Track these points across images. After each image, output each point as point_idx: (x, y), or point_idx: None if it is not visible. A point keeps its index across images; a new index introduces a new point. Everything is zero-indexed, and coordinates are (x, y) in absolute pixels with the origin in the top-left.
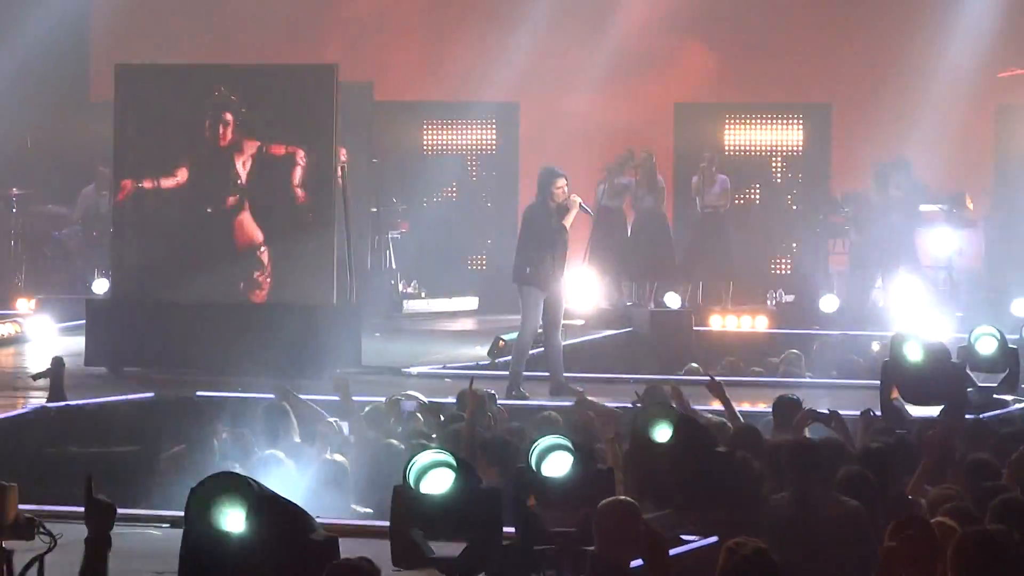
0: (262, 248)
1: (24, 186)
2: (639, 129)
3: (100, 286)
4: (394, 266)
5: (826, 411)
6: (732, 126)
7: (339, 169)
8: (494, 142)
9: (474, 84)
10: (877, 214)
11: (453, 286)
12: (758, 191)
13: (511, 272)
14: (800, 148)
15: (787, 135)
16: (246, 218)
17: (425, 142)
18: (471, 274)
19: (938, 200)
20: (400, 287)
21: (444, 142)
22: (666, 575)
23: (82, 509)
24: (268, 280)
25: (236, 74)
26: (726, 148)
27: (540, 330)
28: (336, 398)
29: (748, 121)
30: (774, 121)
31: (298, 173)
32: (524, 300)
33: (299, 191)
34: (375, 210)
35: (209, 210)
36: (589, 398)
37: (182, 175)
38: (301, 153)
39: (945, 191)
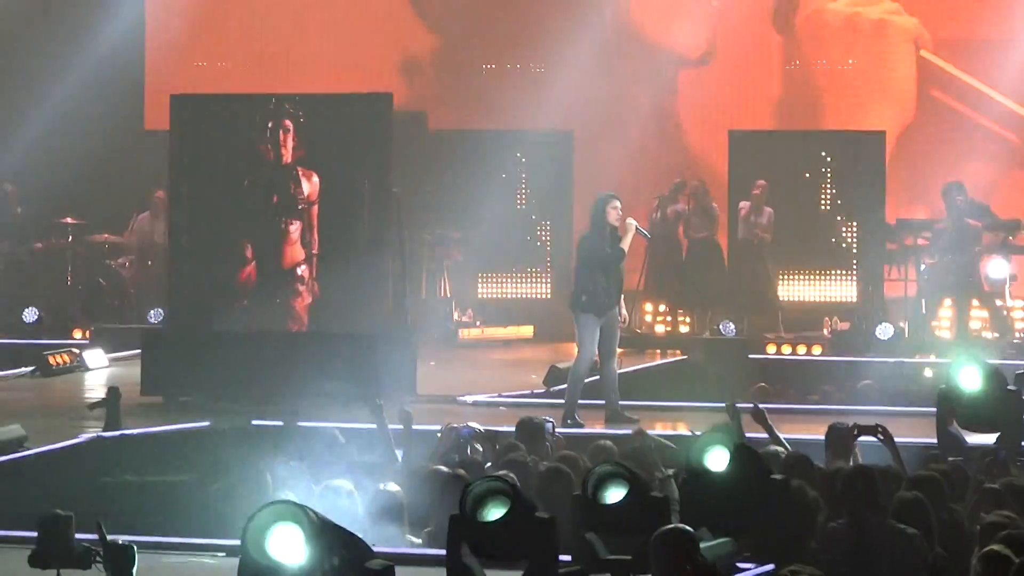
0: (302, 267)
1: (79, 216)
2: (694, 157)
3: (155, 315)
4: (449, 294)
5: (873, 424)
6: (786, 154)
7: (394, 197)
8: (550, 170)
9: (529, 113)
10: (950, 238)
11: (509, 314)
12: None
13: (568, 300)
14: (854, 174)
15: (839, 162)
16: (295, 241)
17: (480, 170)
18: (528, 302)
19: (994, 227)
20: (455, 315)
21: (499, 170)
22: None
23: (139, 539)
24: (306, 308)
25: (292, 102)
26: (780, 176)
27: (596, 358)
28: (399, 427)
29: (801, 149)
30: (827, 148)
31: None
32: (580, 328)
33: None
34: (430, 237)
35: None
36: (646, 430)
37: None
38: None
39: (1001, 217)
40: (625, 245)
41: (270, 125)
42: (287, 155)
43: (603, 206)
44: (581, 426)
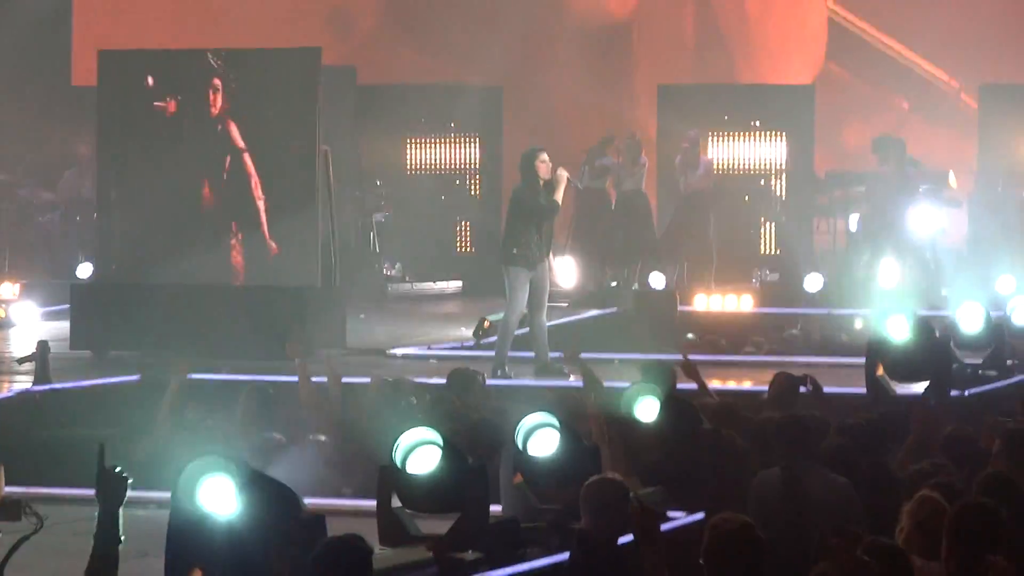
0: (230, 222)
1: (7, 172)
2: (622, 111)
3: (84, 270)
4: (378, 249)
5: (802, 374)
6: (714, 107)
7: (323, 153)
8: (478, 124)
9: (458, 67)
10: (891, 190)
11: (438, 269)
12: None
13: (498, 253)
14: (783, 129)
15: (769, 116)
16: (226, 197)
17: (408, 125)
18: (456, 257)
19: (923, 179)
20: (384, 269)
21: (427, 125)
22: (658, 549)
23: (69, 492)
24: (242, 261)
25: (220, 58)
26: (709, 130)
27: (525, 311)
28: (324, 379)
29: (730, 102)
30: (755, 102)
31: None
32: (511, 280)
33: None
34: (358, 194)
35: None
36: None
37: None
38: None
39: (929, 170)
40: (559, 197)
41: (207, 58)
42: (220, 94)
43: (532, 160)
44: (510, 378)
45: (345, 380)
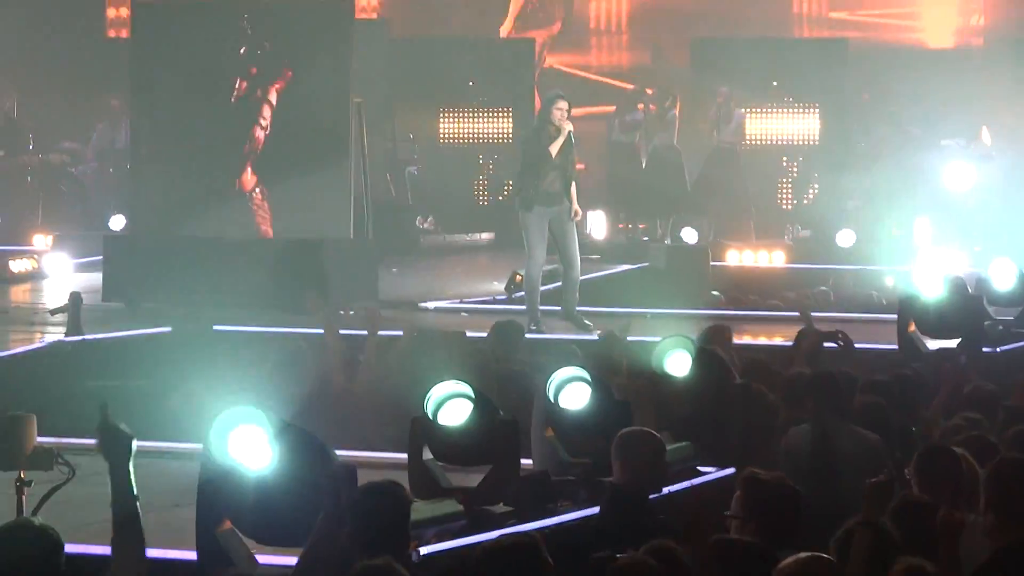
0: (258, 188)
1: (40, 123)
2: (654, 64)
3: (117, 222)
4: (410, 202)
5: (834, 330)
6: (745, 62)
7: (356, 106)
8: (510, 79)
9: (490, 20)
10: (907, 147)
11: (471, 221)
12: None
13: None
14: (815, 84)
15: (801, 70)
16: (255, 157)
17: (442, 79)
18: (489, 208)
19: (955, 134)
20: (417, 222)
21: (461, 78)
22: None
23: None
24: (267, 216)
25: (252, 10)
26: (741, 84)
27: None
28: (364, 332)
29: (762, 57)
30: (788, 57)
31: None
32: (523, 228)
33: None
34: (391, 146)
35: (225, 153)
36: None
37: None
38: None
39: (962, 125)
40: (553, 149)
41: (241, 24)
42: (256, 79)
43: (549, 105)
44: (542, 332)
45: (380, 332)
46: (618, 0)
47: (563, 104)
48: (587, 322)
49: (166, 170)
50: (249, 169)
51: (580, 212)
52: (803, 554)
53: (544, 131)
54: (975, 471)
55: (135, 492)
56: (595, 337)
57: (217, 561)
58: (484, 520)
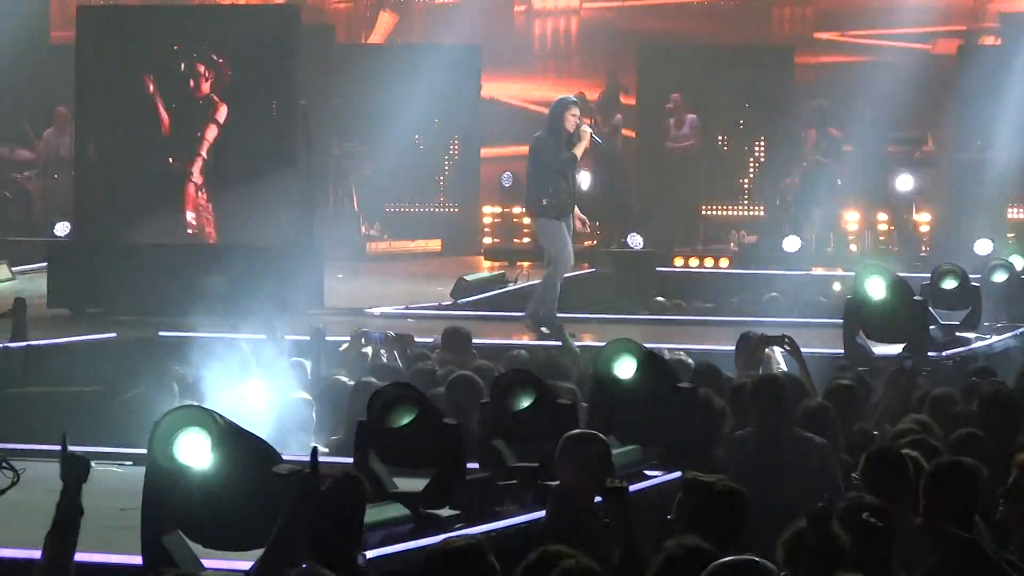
0: (209, 180)
1: None
2: (600, 71)
3: (62, 228)
4: (357, 208)
5: (780, 335)
6: (696, 67)
7: (301, 111)
8: (455, 85)
9: (435, 27)
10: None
11: (416, 228)
12: (723, 133)
13: (526, 206)
14: (762, 90)
15: (749, 76)
16: (200, 163)
17: (386, 86)
18: (435, 216)
19: (901, 140)
20: (363, 229)
21: (405, 85)
22: (628, 518)
23: (45, 447)
24: (211, 218)
25: (197, 16)
26: (690, 89)
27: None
28: (306, 338)
29: (711, 63)
30: (736, 63)
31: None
32: (544, 232)
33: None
34: (337, 152)
35: (171, 159)
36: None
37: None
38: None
39: (908, 131)
40: (579, 151)
41: (176, 48)
42: (201, 93)
43: (562, 111)
44: (563, 336)
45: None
46: (566, 19)
47: (576, 110)
48: (544, 330)
49: (111, 176)
50: (195, 172)
51: (587, 221)
52: (737, 557)
53: (561, 138)
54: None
55: (80, 508)
56: (544, 343)
57: (163, 566)
58: (430, 524)
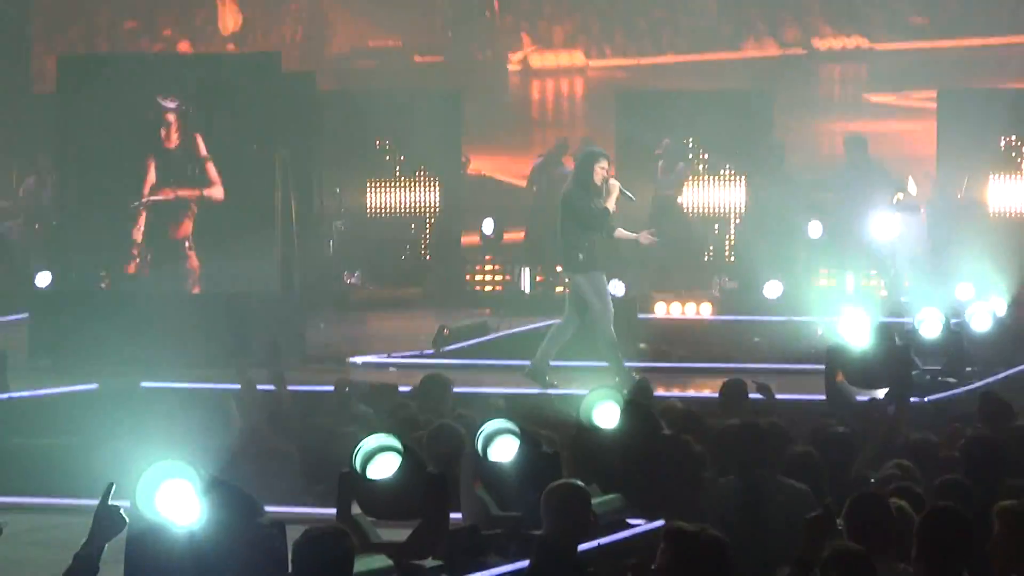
0: (188, 242)
1: None
2: (580, 117)
3: (43, 279)
4: (337, 256)
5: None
6: (675, 113)
7: (281, 159)
8: (437, 131)
9: (416, 73)
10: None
11: (398, 276)
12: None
13: (563, 263)
14: (743, 134)
15: (729, 121)
16: (184, 212)
17: (368, 134)
18: (417, 264)
19: (886, 184)
20: (344, 277)
21: (386, 132)
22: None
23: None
24: (198, 273)
25: (177, 65)
26: (670, 135)
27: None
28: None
29: (691, 108)
30: (716, 108)
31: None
32: (583, 287)
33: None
34: (318, 201)
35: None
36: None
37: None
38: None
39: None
40: (610, 205)
41: (155, 98)
42: (174, 127)
43: (590, 163)
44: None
45: (307, 388)
46: (570, 82)
47: (604, 163)
48: (552, 381)
49: (93, 226)
50: (183, 222)
51: None
52: None
53: (590, 191)
54: (908, 519)
55: (96, 567)
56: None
57: None
58: (414, 574)
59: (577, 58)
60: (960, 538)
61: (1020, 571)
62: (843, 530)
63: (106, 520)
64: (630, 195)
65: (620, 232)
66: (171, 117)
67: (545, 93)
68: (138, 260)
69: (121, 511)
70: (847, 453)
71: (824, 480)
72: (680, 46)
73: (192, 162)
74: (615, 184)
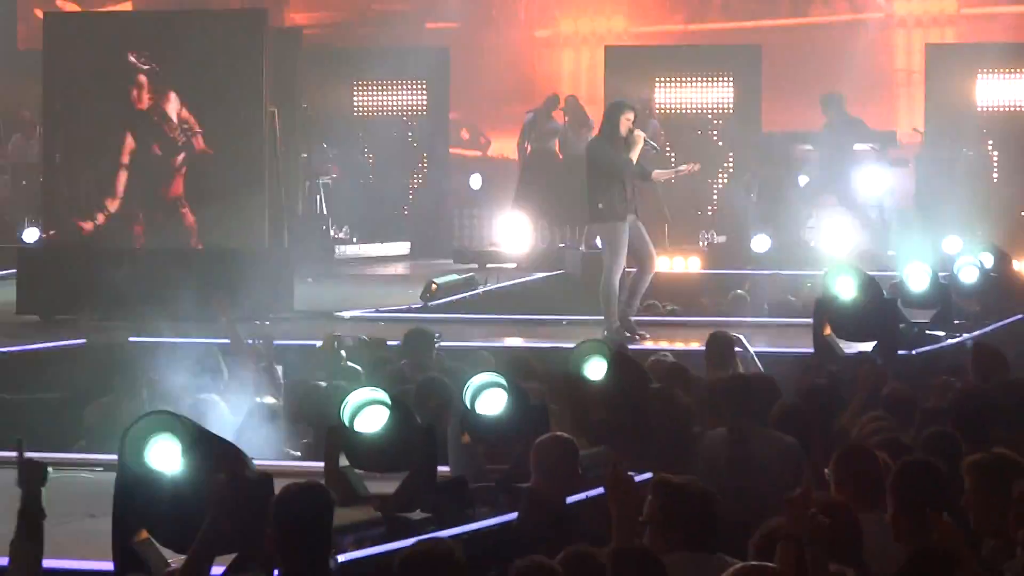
0: (183, 200)
1: None
2: (569, 73)
3: (30, 234)
4: (326, 212)
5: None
6: (662, 70)
7: (269, 115)
8: (425, 87)
9: (404, 29)
10: (832, 148)
11: (385, 231)
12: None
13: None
14: (730, 92)
15: (717, 78)
16: (173, 169)
17: (355, 91)
18: (404, 218)
19: (870, 139)
20: (332, 232)
21: (374, 90)
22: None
23: (12, 453)
24: (195, 228)
25: (162, 22)
26: (656, 91)
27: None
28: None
29: (678, 65)
30: (704, 64)
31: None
32: (603, 237)
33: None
34: (305, 156)
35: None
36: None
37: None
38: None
39: (877, 129)
40: (634, 156)
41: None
42: (145, 89)
43: (617, 115)
44: (637, 337)
45: (296, 342)
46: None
47: (630, 114)
48: (630, 335)
49: (80, 182)
50: (174, 181)
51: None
52: (747, 563)
53: (615, 142)
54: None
55: (43, 512)
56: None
57: (134, 570)
58: (402, 527)
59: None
60: (934, 490)
61: (993, 523)
62: (830, 482)
63: (28, 472)
64: (654, 145)
65: (657, 174)
66: (142, 78)
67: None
68: (132, 220)
69: (35, 460)
70: (830, 405)
71: (812, 433)
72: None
73: (166, 121)
74: (640, 135)
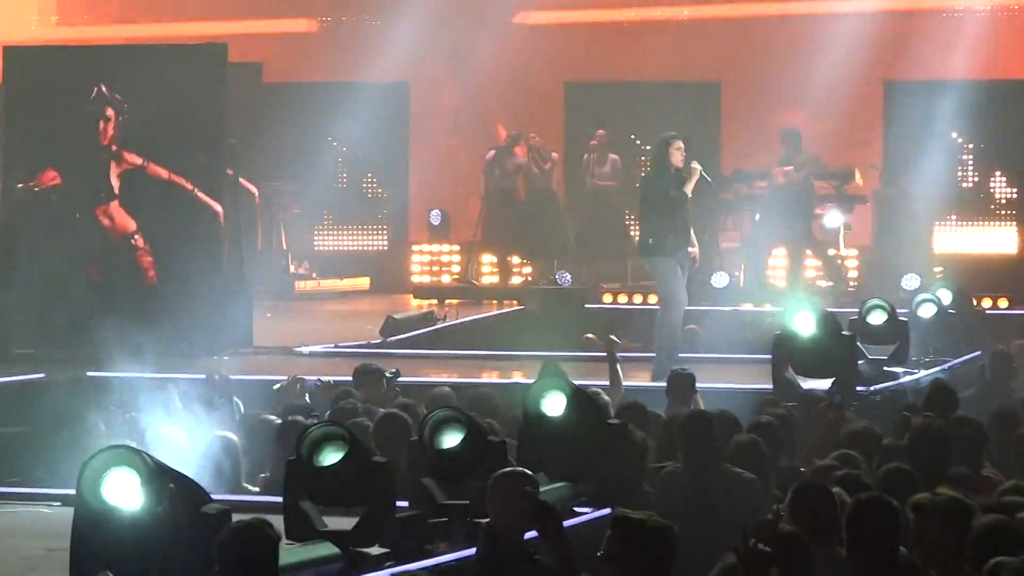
0: (136, 236)
1: None
2: (530, 109)
3: None
4: (285, 247)
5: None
6: (621, 104)
7: (229, 149)
8: (385, 123)
9: (363, 65)
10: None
11: (345, 266)
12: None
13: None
14: (689, 126)
15: (676, 113)
16: (116, 208)
17: (315, 124)
18: (363, 254)
19: (828, 176)
20: (291, 268)
21: (334, 123)
22: (563, 545)
23: None
24: (151, 261)
25: (122, 57)
26: (616, 126)
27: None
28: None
29: (637, 99)
30: (662, 99)
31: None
32: (657, 273)
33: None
34: (265, 190)
35: (77, 215)
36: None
37: (52, 176)
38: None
39: (835, 167)
40: (688, 189)
41: (96, 93)
42: (112, 123)
43: (665, 147)
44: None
45: (255, 377)
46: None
47: (680, 144)
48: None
49: (41, 214)
50: (123, 211)
51: (697, 256)
52: None
53: (667, 175)
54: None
55: None
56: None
57: None
58: (361, 562)
59: None
60: (888, 526)
61: (940, 561)
62: (787, 518)
63: None
64: (708, 179)
65: (689, 187)
66: (110, 111)
67: None
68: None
69: None
70: (776, 442)
71: (770, 469)
72: None
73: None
74: (696, 167)
